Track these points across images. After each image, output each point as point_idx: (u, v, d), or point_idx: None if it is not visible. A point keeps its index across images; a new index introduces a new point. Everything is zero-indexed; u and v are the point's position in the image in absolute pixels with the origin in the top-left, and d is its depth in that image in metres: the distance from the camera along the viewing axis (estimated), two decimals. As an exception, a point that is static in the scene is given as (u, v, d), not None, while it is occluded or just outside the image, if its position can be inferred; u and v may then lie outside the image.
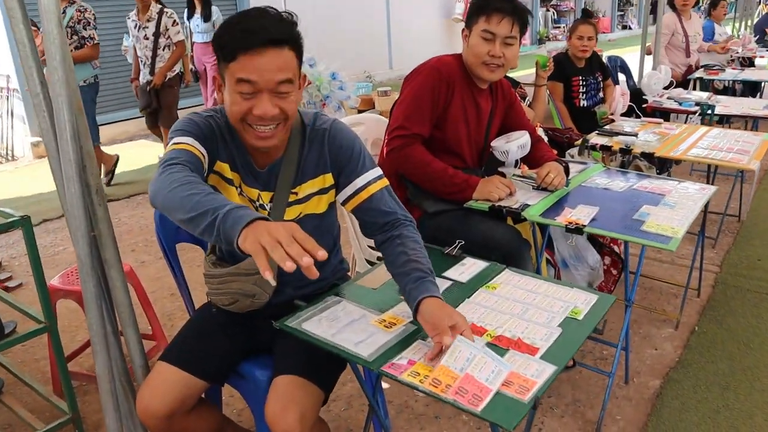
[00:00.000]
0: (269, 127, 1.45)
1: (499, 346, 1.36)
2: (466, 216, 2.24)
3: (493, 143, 2.38)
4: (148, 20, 5.22)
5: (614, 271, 3.08)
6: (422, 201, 2.28)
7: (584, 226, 1.94)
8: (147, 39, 5.25)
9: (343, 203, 1.63)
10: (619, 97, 3.56)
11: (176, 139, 1.47)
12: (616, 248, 3.04)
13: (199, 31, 6.44)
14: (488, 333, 1.41)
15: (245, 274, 1.61)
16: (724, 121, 4.84)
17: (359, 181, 1.59)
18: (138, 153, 6.54)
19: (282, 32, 1.40)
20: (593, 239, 2.77)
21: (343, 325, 1.45)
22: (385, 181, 1.62)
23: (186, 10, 6.45)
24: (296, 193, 1.59)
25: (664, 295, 3.30)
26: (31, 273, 1.95)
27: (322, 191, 1.62)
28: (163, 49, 5.29)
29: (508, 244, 2.09)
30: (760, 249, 3.89)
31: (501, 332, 1.42)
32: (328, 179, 1.61)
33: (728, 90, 6.31)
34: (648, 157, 3.00)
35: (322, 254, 1.14)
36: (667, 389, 2.52)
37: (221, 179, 1.58)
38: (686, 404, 2.43)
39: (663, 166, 3.77)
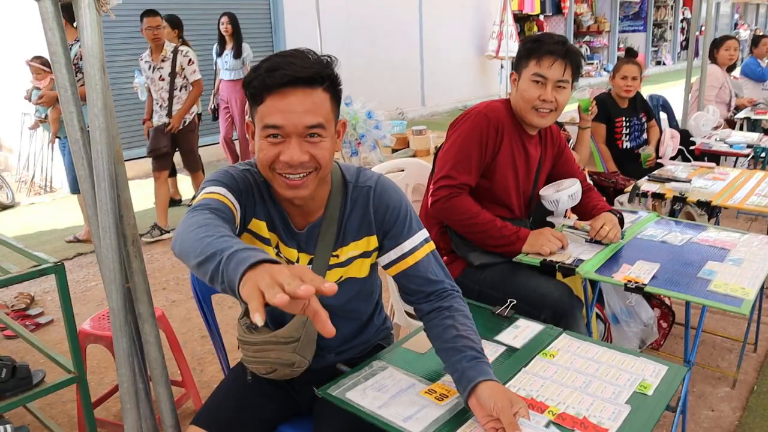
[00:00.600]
0: (299, 176, 1.32)
1: (563, 426, 1.23)
2: (513, 270, 2.12)
3: (542, 192, 2.27)
4: (163, 60, 4.96)
5: (664, 324, 2.92)
6: (467, 253, 2.17)
7: (645, 285, 1.81)
8: (162, 80, 4.99)
9: (386, 267, 1.52)
10: (669, 140, 3.43)
11: (208, 189, 1.36)
12: (667, 300, 2.89)
13: (227, 68, 6.29)
14: (550, 410, 1.29)
15: (284, 342, 1.51)
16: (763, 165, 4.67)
17: (406, 245, 1.48)
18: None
19: (313, 71, 1.29)
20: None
21: (390, 396, 1.34)
22: (431, 245, 1.52)
23: (216, 45, 6.41)
24: (337, 256, 1.49)
25: (717, 350, 3.12)
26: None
27: (365, 254, 1.52)
28: (180, 90, 5.02)
29: (560, 303, 1.97)
30: (819, 301, 3.69)
31: (564, 409, 1.29)
32: (372, 242, 1.51)
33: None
34: (700, 205, 2.85)
35: (329, 287, 0.95)
36: (728, 457, 2.35)
37: (256, 239, 1.48)
38: (751, 475, 2.26)
39: (712, 211, 3.61)
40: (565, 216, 2.36)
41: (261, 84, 1.28)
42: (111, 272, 1.47)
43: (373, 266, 1.57)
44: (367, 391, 1.36)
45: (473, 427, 1.24)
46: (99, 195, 1.42)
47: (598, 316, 2.39)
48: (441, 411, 1.29)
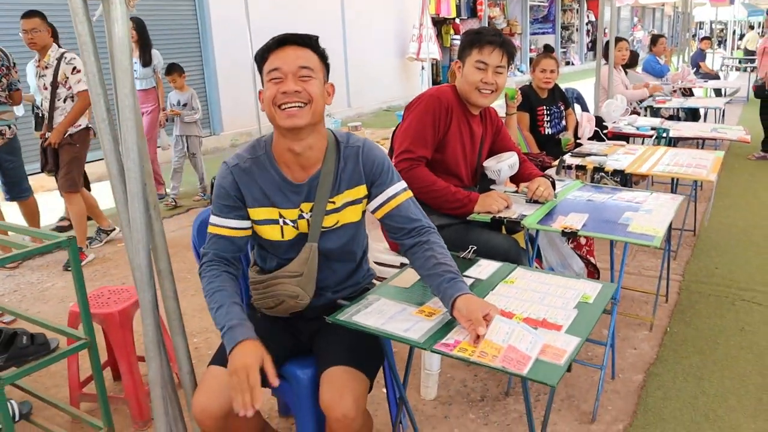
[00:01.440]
0: (295, 105, 1.65)
1: (528, 325, 1.57)
2: (467, 229, 2.47)
3: (486, 163, 2.63)
4: (46, 67, 4.29)
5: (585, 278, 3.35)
6: (429, 215, 2.50)
7: (578, 230, 2.19)
8: (45, 89, 4.32)
9: (374, 211, 1.83)
10: (587, 123, 3.90)
11: (211, 220, 1.80)
12: (592, 259, 3.32)
13: (136, 77, 5.70)
14: (516, 316, 1.63)
15: (288, 276, 1.79)
16: (672, 143, 5.28)
17: (389, 191, 1.81)
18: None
19: (303, 35, 1.69)
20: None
21: (389, 317, 1.64)
22: (410, 193, 1.84)
23: None
24: (334, 202, 1.79)
25: (636, 303, 3.59)
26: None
27: (357, 201, 1.82)
28: (65, 101, 4.32)
29: (509, 251, 2.33)
30: (716, 258, 4.25)
31: (527, 315, 1.63)
32: (362, 190, 1.82)
33: (673, 117, 6.82)
34: (615, 175, 3.31)
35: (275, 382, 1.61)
36: (649, 382, 2.78)
37: (262, 225, 1.79)
38: (668, 394, 2.69)
39: (626, 183, 4.11)
40: (505, 184, 2.73)
41: (266, 47, 1.69)
42: (139, 232, 1.70)
43: (363, 213, 1.88)
44: (370, 315, 1.66)
45: (459, 331, 1.56)
46: (128, 164, 1.65)
47: (536, 268, 2.77)
48: (432, 323, 1.61)
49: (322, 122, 1.75)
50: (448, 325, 1.60)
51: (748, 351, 3.04)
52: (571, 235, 2.18)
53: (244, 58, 7.93)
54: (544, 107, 4.53)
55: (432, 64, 12.42)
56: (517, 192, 2.59)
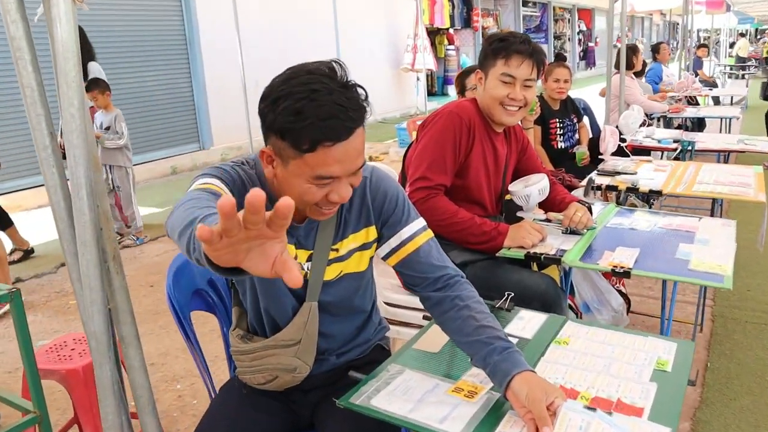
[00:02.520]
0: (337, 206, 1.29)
1: (599, 409, 1.21)
2: (494, 266, 2.11)
3: (512, 188, 2.28)
4: None
5: (624, 315, 3.01)
6: (447, 252, 2.13)
7: (631, 269, 1.84)
8: None
9: (386, 257, 1.46)
10: (609, 137, 3.56)
11: (201, 180, 1.25)
12: (622, 288, 2.97)
13: None
14: (582, 395, 1.26)
15: (284, 345, 1.42)
16: (689, 156, 4.97)
17: (405, 232, 1.43)
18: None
19: (364, 112, 1.20)
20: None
21: (418, 400, 1.27)
22: (430, 233, 1.48)
23: None
24: (337, 250, 1.42)
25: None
26: None
27: (365, 246, 1.45)
28: None
29: (546, 293, 1.97)
30: (747, 280, 3.92)
31: (595, 393, 1.27)
32: (372, 233, 1.45)
33: (680, 126, 6.53)
34: (653, 192, 2.98)
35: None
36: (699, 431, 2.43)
37: None
38: (723, 447, 2.34)
39: (648, 201, 3.78)
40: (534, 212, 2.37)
41: (314, 135, 1.14)
42: (92, 292, 1.33)
43: (371, 260, 1.51)
44: (393, 397, 1.28)
45: (512, 421, 1.19)
46: (77, 205, 1.28)
47: (570, 306, 2.41)
48: (475, 408, 1.23)
49: None
50: (496, 412, 1.23)
51: (802, 390, 2.70)
52: (623, 275, 1.83)
53: (234, 70, 7.59)
54: (557, 120, 4.21)
55: (427, 75, 12.13)
56: (548, 221, 2.23)
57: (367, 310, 1.57)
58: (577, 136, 4.35)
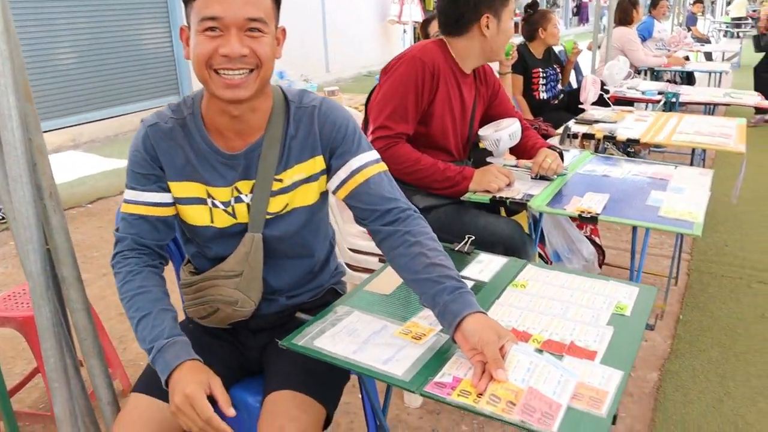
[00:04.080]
0: (239, 73, 1.20)
1: (551, 352, 1.17)
2: (460, 210, 2.06)
3: (482, 132, 2.21)
4: None
5: (596, 264, 2.98)
6: (411, 196, 2.07)
7: (598, 214, 1.79)
8: None
9: (336, 190, 1.39)
10: (591, 85, 3.48)
11: (125, 196, 1.36)
12: (597, 239, 2.94)
13: None
14: (534, 338, 1.22)
15: (225, 276, 1.38)
16: (674, 108, 4.91)
17: (354, 162, 1.36)
18: (65, 166, 6.05)
19: None
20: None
21: (364, 340, 1.23)
22: (383, 166, 1.40)
23: None
24: (281, 180, 1.35)
25: (643, 286, 3.23)
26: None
27: (312, 178, 1.38)
28: None
29: (512, 238, 1.92)
30: (724, 235, 3.91)
31: (548, 336, 1.23)
32: (319, 163, 1.37)
33: (670, 81, 6.44)
34: (629, 144, 2.92)
35: (231, 412, 1.22)
36: (666, 382, 2.43)
37: (186, 204, 1.36)
38: (688, 396, 2.34)
39: (627, 152, 3.73)
40: (504, 157, 2.31)
41: None
42: (27, 230, 1.26)
43: (323, 197, 1.44)
44: (338, 338, 1.24)
45: (459, 363, 1.15)
46: (5, 137, 1.20)
47: (539, 255, 2.38)
48: (421, 350, 1.19)
49: (269, 80, 1.31)
50: (443, 354, 1.19)
51: (773, 342, 2.70)
52: (590, 221, 1.78)
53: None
54: (540, 69, 4.10)
55: (414, 27, 11.87)
56: (518, 166, 2.17)
57: (322, 253, 1.51)
58: (560, 86, 4.26)
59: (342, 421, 2.21)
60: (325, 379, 1.37)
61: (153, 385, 1.37)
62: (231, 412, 1.20)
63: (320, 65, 10.83)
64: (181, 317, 1.54)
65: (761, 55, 7.12)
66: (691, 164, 3.22)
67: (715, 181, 2.19)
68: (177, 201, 1.35)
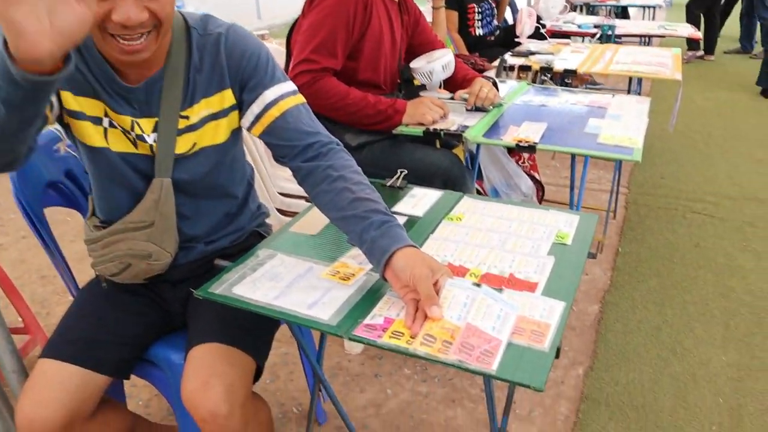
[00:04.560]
0: (138, 39, 1.03)
1: (490, 286, 1.09)
2: (394, 145, 1.94)
3: (414, 65, 2.08)
4: None
5: (534, 199, 2.94)
6: (342, 135, 1.95)
7: (536, 143, 1.70)
8: None
9: (250, 127, 1.24)
10: (527, 18, 3.37)
11: None
12: (536, 175, 2.89)
13: None
14: (471, 272, 1.14)
15: (134, 229, 1.23)
16: (610, 41, 4.89)
17: (269, 95, 1.21)
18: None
19: None
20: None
21: (287, 284, 1.11)
22: (301, 98, 1.26)
23: None
24: (187, 117, 1.20)
25: (582, 220, 3.23)
26: None
27: (221, 114, 1.23)
28: None
29: (450, 171, 1.82)
30: (660, 168, 3.94)
31: (486, 269, 1.14)
32: (228, 97, 1.22)
33: (606, 16, 6.41)
34: (566, 75, 2.84)
35: None
36: (607, 313, 2.43)
37: (75, 120, 1.17)
38: (628, 326, 2.35)
39: (564, 84, 3.67)
40: (439, 90, 2.20)
41: None
42: None
43: (235, 134, 1.29)
44: (259, 283, 1.12)
45: (390, 303, 1.06)
46: None
47: (477, 191, 2.30)
48: (349, 291, 1.09)
49: None
50: (373, 294, 1.09)
51: (707, 270, 2.74)
52: (528, 150, 1.70)
53: None
54: (475, 5, 3.96)
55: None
56: (454, 99, 2.05)
57: (239, 193, 1.38)
58: (496, 22, 4.14)
59: (281, 372, 2.12)
60: (252, 329, 1.26)
61: (61, 347, 1.23)
62: None
63: (251, 11, 10.38)
64: (90, 275, 1.40)
65: None
66: (628, 93, 3.18)
67: (651, 114, 2.14)
68: (68, 113, 1.16)
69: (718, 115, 5.12)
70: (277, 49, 2.66)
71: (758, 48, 6.96)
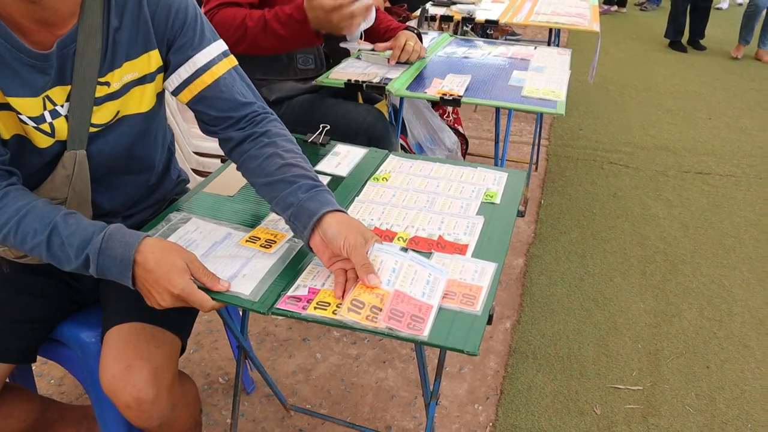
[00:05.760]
0: None
1: (418, 250, 1.04)
2: (315, 101, 1.84)
3: (333, 13, 1.96)
4: None
5: (459, 154, 2.92)
6: (260, 89, 1.82)
7: (461, 96, 1.66)
8: None
9: (176, 92, 1.12)
10: (447, -36, 3.28)
11: None
12: (460, 128, 2.86)
13: None
14: (399, 236, 1.08)
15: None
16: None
17: (200, 58, 1.09)
18: None
19: None
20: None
21: (204, 253, 1.02)
22: (233, 60, 1.15)
23: None
24: (107, 84, 1.05)
25: (506, 174, 3.25)
26: None
27: (147, 78, 1.10)
28: None
29: (374, 126, 1.75)
30: (578, 119, 4.01)
31: (414, 233, 1.09)
32: (154, 59, 1.09)
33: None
34: (488, 26, 2.80)
35: (223, 285, 0.96)
36: (532, 266, 2.46)
37: None
38: (552, 278, 2.39)
39: (486, 34, 3.64)
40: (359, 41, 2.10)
41: None
42: None
43: (159, 98, 1.17)
44: (170, 254, 1.02)
45: (315, 272, 0.99)
46: None
47: (402, 147, 2.25)
48: (272, 260, 1.01)
49: None
50: (297, 263, 1.02)
51: (624, 219, 2.83)
52: (452, 104, 1.65)
53: None
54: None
55: None
56: (375, 50, 1.96)
57: (159, 163, 1.25)
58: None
59: (205, 341, 2.03)
60: None
61: None
62: (224, 285, 0.96)
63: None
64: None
65: None
66: (549, 45, 3.18)
67: (570, 64, 2.14)
68: None
69: (631, 67, 5.26)
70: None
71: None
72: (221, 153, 1.98)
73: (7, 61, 0.96)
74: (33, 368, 1.58)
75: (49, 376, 1.88)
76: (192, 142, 2.00)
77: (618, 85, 4.72)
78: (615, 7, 7.30)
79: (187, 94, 1.11)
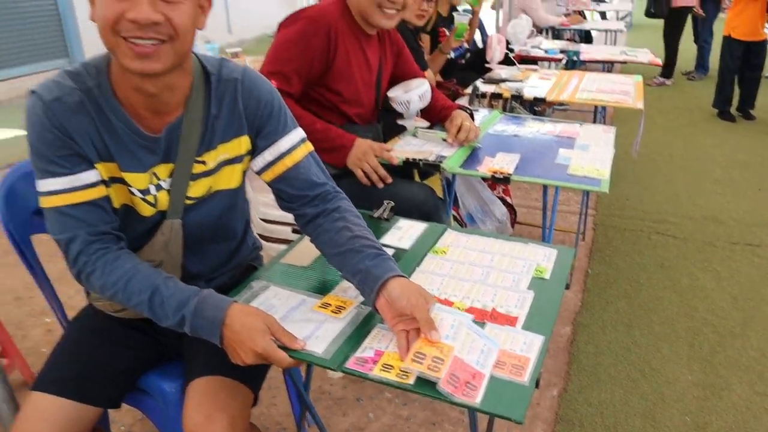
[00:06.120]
0: (150, 42, 1.04)
1: (474, 321, 1.15)
2: None
3: (391, 93, 2.14)
4: None
5: (508, 224, 3.03)
6: None
7: (510, 174, 1.78)
8: None
9: (261, 171, 1.30)
10: (497, 45, 3.48)
11: (42, 188, 1.13)
12: (508, 199, 2.98)
13: None
14: (456, 305, 1.20)
15: None
16: (575, 66, 5.04)
17: (283, 144, 1.27)
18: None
19: None
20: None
21: (281, 317, 1.16)
22: (310, 146, 1.33)
23: None
24: (204, 162, 1.23)
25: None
26: None
27: (237, 159, 1.27)
28: None
29: (426, 203, 1.88)
30: (625, 190, 4.08)
31: (470, 303, 1.21)
32: (245, 143, 1.26)
33: (569, 40, 6.60)
34: (537, 100, 2.95)
35: (300, 344, 1.09)
36: (579, 335, 2.51)
37: (94, 186, 1.16)
38: (599, 348, 2.43)
39: (533, 111, 3.79)
40: (416, 118, 2.27)
41: None
42: None
43: (244, 175, 1.34)
44: (253, 317, 1.16)
45: (380, 335, 1.11)
46: None
47: (454, 218, 2.37)
48: (342, 324, 1.14)
49: (189, 54, 1.15)
50: (364, 327, 1.14)
51: (671, 290, 2.86)
52: (503, 182, 1.77)
53: None
54: (446, 28, 4.05)
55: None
56: (431, 130, 2.12)
57: (240, 232, 1.42)
58: (465, 45, 4.24)
59: (264, 396, 2.14)
60: None
61: (54, 381, 1.25)
62: (301, 344, 1.09)
63: (221, 25, 10.38)
64: (82, 304, 1.42)
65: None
66: (594, 121, 3.31)
67: (616, 137, 2.24)
68: (87, 187, 1.16)
69: (678, 136, 5.32)
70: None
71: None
72: (286, 220, 2.15)
73: (124, 143, 1.15)
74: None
75: (120, 422, 2.02)
76: (259, 209, 2.17)
77: (665, 155, 4.77)
78: (671, 80, 7.33)
79: (270, 174, 1.29)
